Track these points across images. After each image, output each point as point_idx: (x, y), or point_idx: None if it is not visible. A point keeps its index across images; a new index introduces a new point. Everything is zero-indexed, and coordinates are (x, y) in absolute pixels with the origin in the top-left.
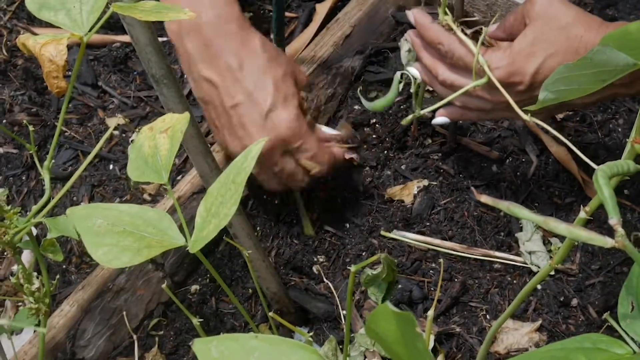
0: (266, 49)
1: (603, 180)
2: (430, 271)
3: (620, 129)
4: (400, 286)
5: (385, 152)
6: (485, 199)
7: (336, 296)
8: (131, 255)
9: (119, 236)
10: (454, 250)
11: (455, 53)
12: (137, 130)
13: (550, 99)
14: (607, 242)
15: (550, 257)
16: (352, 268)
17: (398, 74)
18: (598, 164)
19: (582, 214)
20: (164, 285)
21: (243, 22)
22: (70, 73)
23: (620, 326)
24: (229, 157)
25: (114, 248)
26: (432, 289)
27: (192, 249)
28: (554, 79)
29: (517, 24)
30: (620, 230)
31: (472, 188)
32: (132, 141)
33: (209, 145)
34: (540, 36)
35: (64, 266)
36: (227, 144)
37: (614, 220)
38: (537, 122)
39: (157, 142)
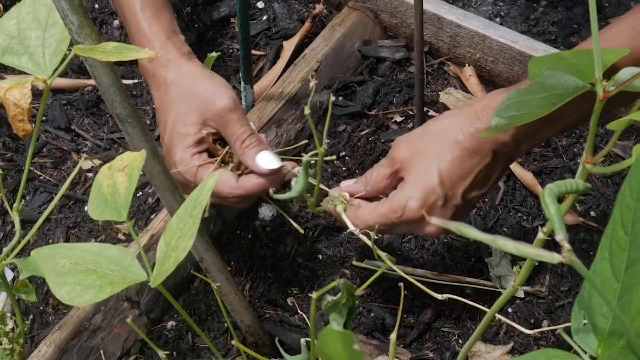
0: (176, 86)
1: (549, 199)
2: (403, 298)
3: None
4: (372, 314)
5: None
6: (435, 220)
7: (311, 327)
8: (94, 293)
9: (82, 275)
10: (425, 277)
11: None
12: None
13: (502, 124)
14: (554, 258)
15: None
16: (313, 295)
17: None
18: None
19: (540, 235)
20: (128, 320)
21: (165, 59)
22: (43, 118)
23: (574, 341)
24: None
25: (77, 287)
26: (404, 315)
27: (154, 284)
28: (506, 105)
29: (384, 175)
30: (566, 246)
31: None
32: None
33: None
34: (423, 155)
35: (41, 307)
36: None
37: (560, 236)
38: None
39: (115, 180)
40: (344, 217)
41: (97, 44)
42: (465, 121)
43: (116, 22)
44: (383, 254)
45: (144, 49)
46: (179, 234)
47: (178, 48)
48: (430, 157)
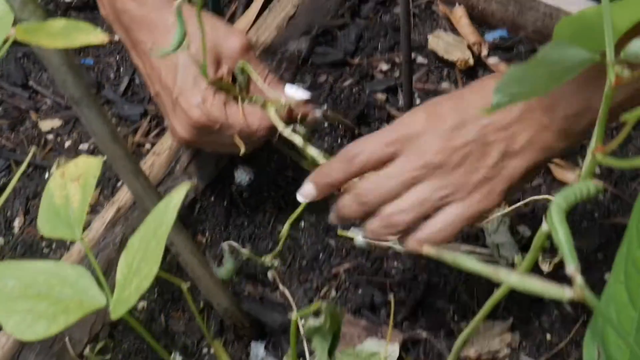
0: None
1: (558, 217)
2: (393, 271)
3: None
4: (360, 291)
5: (339, 140)
6: (427, 249)
7: (293, 304)
8: (46, 324)
9: (33, 301)
10: None
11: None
12: (56, 160)
13: (504, 101)
14: (564, 294)
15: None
16: (292, 316)
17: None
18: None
19: (544, 226)
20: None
21: (159, 2)
22: None
23: None
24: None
25: (28, 315)
26: (395, 290)
27: (114, 314)
28: (507, 80)
29: None
30: (579, 280)
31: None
32: (51, 173)
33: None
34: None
35: None
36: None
37: (572, 268)
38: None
39: (68, 191)
40: (274, 117)
41: (43, 21)
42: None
43: None
44: (315, 152)
45: (95, 30)
46: (141, 254)
47: None
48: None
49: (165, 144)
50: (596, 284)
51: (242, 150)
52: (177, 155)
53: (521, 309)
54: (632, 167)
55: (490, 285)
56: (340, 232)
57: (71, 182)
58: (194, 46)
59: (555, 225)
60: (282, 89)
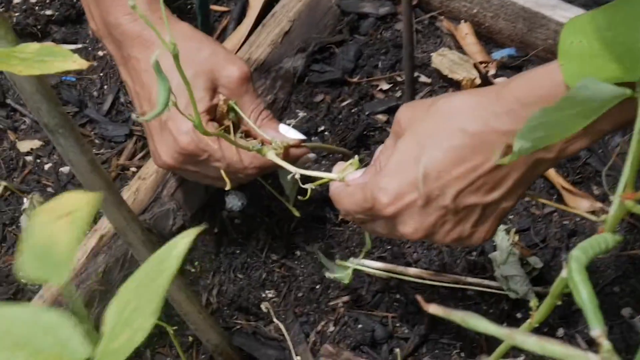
0: (175, 47)
1: (580, 276)
2: (395, 304)
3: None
4: (360, 325)
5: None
6: (434, 309)
7: (288, 339)
8: None
9: (9, 351)
10: (421, 278)
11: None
12: (29, 197)
13: (526, 148)
14: (588, 359)
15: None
16: None
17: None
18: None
19: (563, 273)
20: None
21: (151, 17)
22: None
23: None
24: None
25: None
26: (397, 324)
27: None
28: (531, 125)
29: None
30: (606, 345)
31: (418, 297)
32: (23, 210)
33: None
34: (417, 131)
35: None
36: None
37: (597, 331)
38: None
39: (54, 231)
40: (277, 160)
41: (14, 45)
42: (479, 103)
43: None
44: (330, 175)
45: (73, 56)
46: (135, 303)
47: (164, 7)
48: (423, 138)
49: (152, 168)
50: (614, 321)
51: (228, 185)
52: (164, 180)
53: None
54: None
55: (499, 320)
56: (338, 262)
57: (59, 219)
58: (192, 68)
59: (577, 284)
60: (276, 128)
